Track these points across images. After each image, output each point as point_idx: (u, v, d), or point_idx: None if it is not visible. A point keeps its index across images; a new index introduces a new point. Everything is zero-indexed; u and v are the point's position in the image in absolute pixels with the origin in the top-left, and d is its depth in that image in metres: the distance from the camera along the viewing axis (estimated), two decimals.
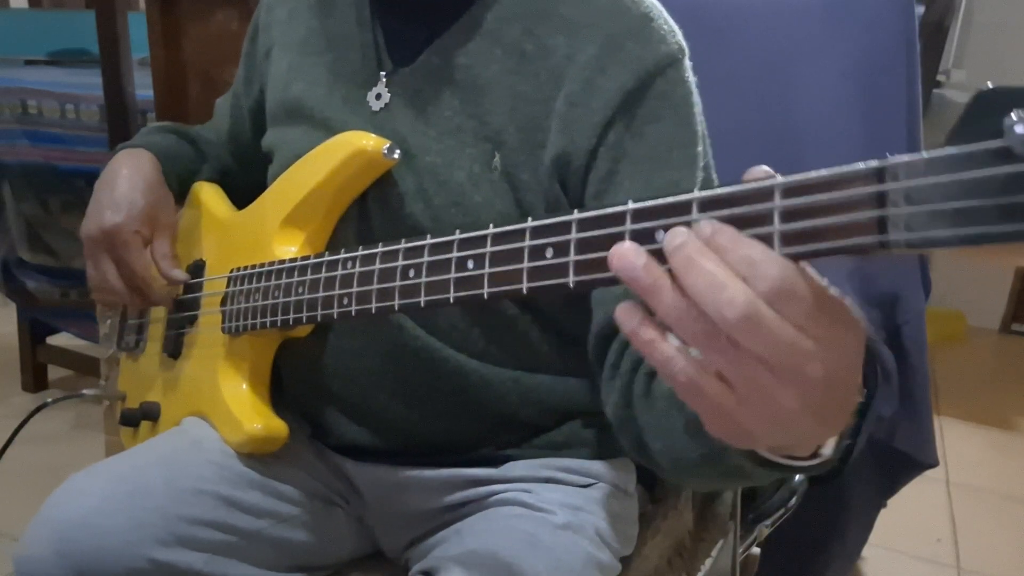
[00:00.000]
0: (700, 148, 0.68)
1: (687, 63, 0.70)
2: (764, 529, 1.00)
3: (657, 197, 0.43)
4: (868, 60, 1.11)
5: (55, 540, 0.69)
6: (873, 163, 0.36)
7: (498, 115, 0.70)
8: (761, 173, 0.39)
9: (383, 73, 0.75)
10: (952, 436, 2.15)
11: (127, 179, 0.84)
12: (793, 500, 1.02)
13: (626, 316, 0.41)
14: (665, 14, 0.70)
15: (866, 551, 1.51)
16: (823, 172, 0.37)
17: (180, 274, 0.84)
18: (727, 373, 0.38)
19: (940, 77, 2.49)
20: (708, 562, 0.92)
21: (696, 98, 0.70)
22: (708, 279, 0.37)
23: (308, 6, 0.82)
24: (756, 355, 0.37)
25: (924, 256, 1.18)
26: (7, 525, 1.57)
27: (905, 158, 0.34)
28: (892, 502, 1.34)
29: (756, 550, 1.05)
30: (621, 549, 0.77)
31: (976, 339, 2.89)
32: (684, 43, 0.70)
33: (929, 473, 1.28)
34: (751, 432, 0.41)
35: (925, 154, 0.34)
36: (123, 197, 0.82)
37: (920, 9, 1.84)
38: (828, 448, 0.47)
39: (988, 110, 0.32)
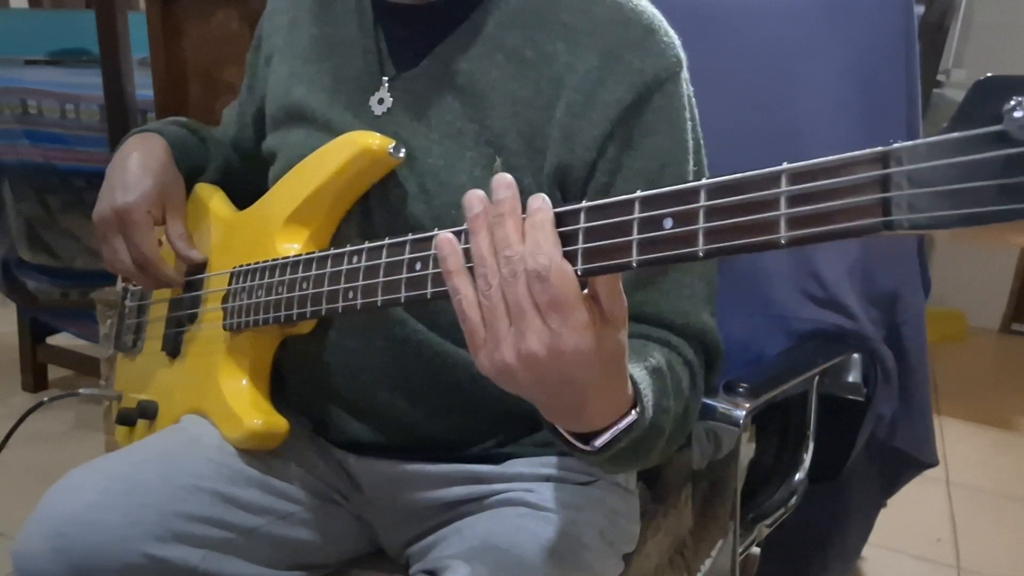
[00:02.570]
0: (691, 165, 0.71)
1: (685, 75, 0.71)
2: (764, 529, 1.00)
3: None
4: (868, 60, 1.11)
5: (51, 536, 0.69)
6: (877, 148, 0.37)
7: (499, 120, 0.70)
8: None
9: (385, 78, 0.75)
10: (952, 436, 2.15)
11: (139, 161, 0.84)
12: (793, 500, 1.01)
13: (447, 245, 0.52)
14: (665, 24, 0.71)
15: (866, 551, 1.51)
16: (828, 158, 0.38)
17: (197, 254, 0.85)
18: (487, 308, 0.50)
19: (940, 77, 2.49)
20: (708, 561, 0.92)
21: (691, 112, 0.72)
22: (506, 237, 0.49)
23: (310, 14, 0.82)
24: (507, 304, 0.49)
25: (924, 255, 1.18)
26: (6, 525, 1.57)
27: (908, 143, 0.36)
28: (892, 502, 1.34)
29: (756, 550, 1.04)
30: (623, 547, 0.77)
31: (976, 339, 2.89)
32: (682, 55, 0.71)
33: (929, 473, 1.28)
34: (495, 367, 0.50)
35: (927, 139, 0.35)
36: (135, 178, 0.82)
37: (920, 9, 1.84)
38: (599, 440, 0.55)
39: (987, 97, 0.33)
